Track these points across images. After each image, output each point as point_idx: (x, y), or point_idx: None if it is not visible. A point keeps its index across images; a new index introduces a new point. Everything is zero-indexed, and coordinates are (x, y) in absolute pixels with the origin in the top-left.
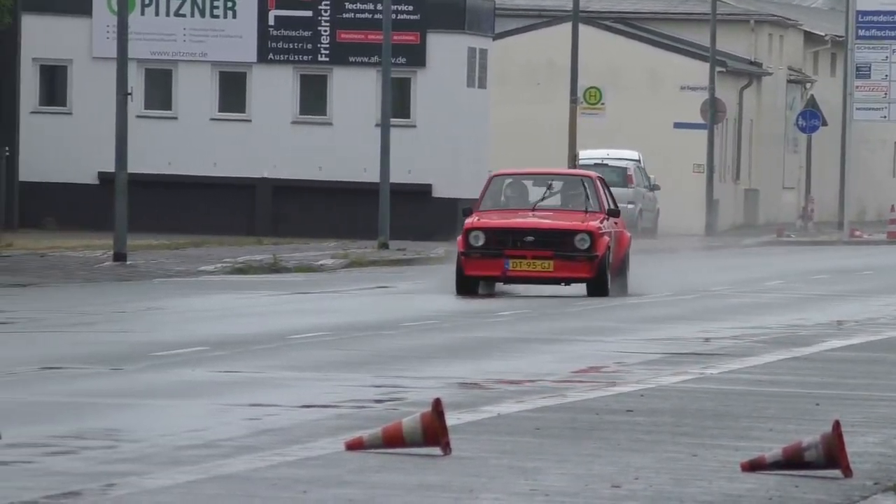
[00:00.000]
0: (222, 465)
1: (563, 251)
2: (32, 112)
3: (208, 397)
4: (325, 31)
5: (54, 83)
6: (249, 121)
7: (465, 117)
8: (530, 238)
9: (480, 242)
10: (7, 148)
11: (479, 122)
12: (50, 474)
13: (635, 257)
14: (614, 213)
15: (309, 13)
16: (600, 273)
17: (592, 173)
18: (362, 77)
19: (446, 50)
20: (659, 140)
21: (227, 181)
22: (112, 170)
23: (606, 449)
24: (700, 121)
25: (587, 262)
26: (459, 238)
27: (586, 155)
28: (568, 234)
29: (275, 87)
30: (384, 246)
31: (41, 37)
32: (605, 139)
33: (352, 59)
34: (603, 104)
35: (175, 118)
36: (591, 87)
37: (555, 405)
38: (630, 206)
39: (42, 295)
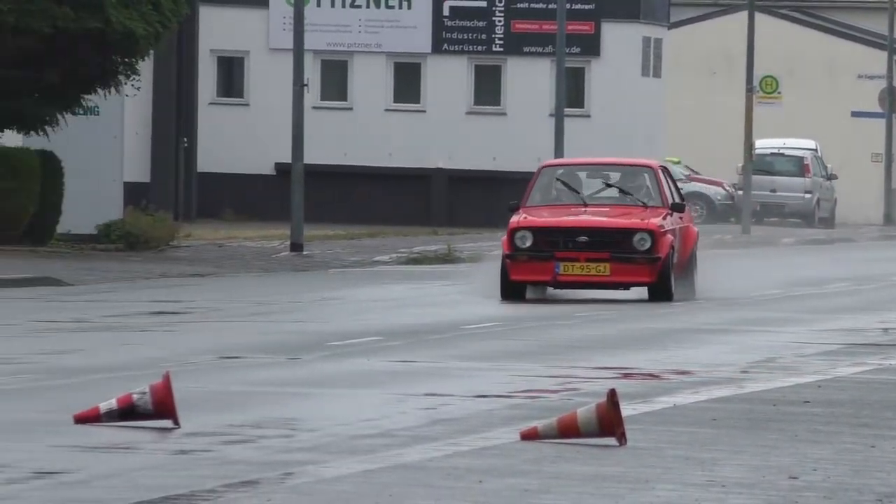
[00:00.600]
0: (398, 455)
1: (621, 252)
2: (210, 103)
3: (383, 387)
4: (500, 21)
5: (232, 74)
6: (424, 111)
7: (640, 107)
8: (584, 238)
9: (528, 243)
10: (186, 139)
11: (654, 111)
12: (228, 463)
13: (812, 248)
14: (679, 207)
15: (484, 3)
16: (663, 276)
17: (654, 162)
18: (536, 67)
19: (621, 39)
20: (836, 129)
21: (401, 171)
22: (288, 160)
23: (784, 440)
24: (878, 109)
25: (648, 265)
26: (504, 238)
27: (762, 144)
28: (626, 234)
29: (449, 78)
30: None
31: (219, 28)
32: (781, 129)
33: (526, 49)
34: (779, 93)
35: (350, 109)
36: (768, 76)
37: (731, 396)
38: (807, 195)
39: (220, 285)
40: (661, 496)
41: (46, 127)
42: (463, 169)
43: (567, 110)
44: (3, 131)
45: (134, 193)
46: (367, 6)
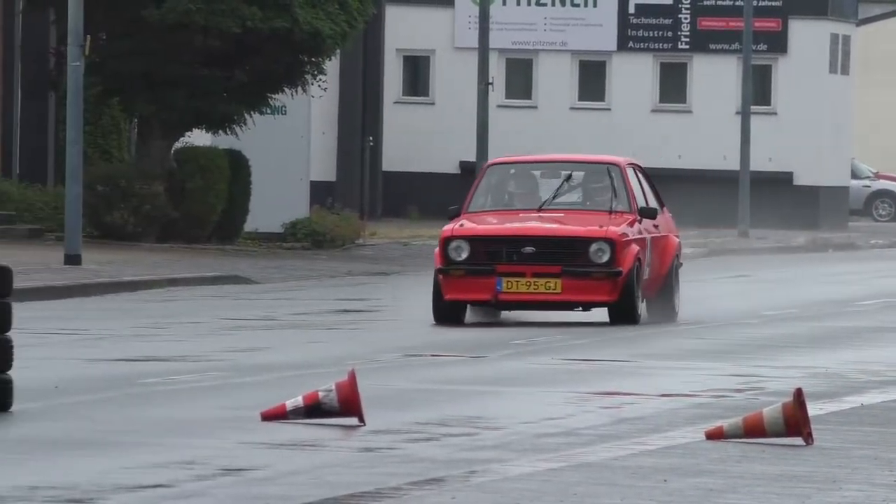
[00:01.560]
0: (582, 454)
1: (574, 266)
2: (396, 102)
3: (567, 385)
4: (686, 18)
5: (417, 73)
6: (609, 109)
7: (828, 104)
8: (530, 249)
9: (464, 255)
10: (371, 138)
11: (842, 109)
12: (413, 461)
13: None
14: (648, 212)
15: (670, 1)
16: (625, 295)
17: (622, 160)
18: (722, 64)
19: (809, 36)
20: None
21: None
22: (473, 159)
23: None
24: None
25: (608, 281)
26: (437, 250)
27: None
28: (580, 243)
29: (634, 76)
30: (744, 234)
31: (405, 27)
32: None
33: (712, 46)
34: None
35: (535, 107)
36: None
37: None
38: None
39: (404, 283)
40: (848, 496)
41: (234, 126)
42: (648, 167)
43: (753, 108)
44: (192, 131)
45: (320, 192)
46: (553, 4)
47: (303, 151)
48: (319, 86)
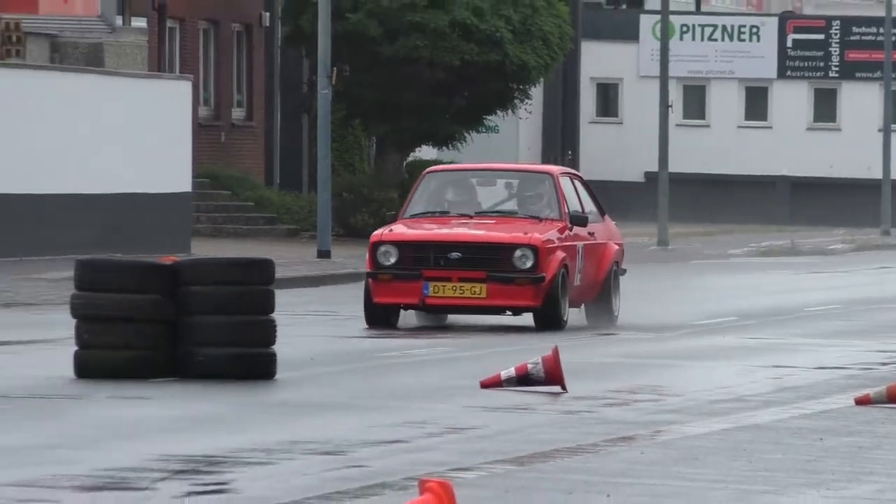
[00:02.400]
0: (750, 416)
1: (498, 271)
2: (590, 122)
3: (737, 359)
4: (836, 51)
5: (607, 98)
6: (770, 128)
7: None
8: (456, 254)
9: (392, 260)
10: (570, 152)
11: None
12: (607, 422)
13: None
14: (579, 219)
15: (821, 36)
16: (549, 300)
17: (556, 168)
18: (867, 90)
19: None
20: None
21: (751, 179)
22: (655, 170)
23: None
24: None
25: (531, 286)
26: (367, 255)
27: None
28: (504, 249)
29: (792, 99)
30: (886, 233)
31: (597, 59)
32: None
33: (858, 74)
34: None
35: (707, 126)
36: None
37: None
38: None
39: None
40: None
41: (456, 143)
42: (804, 176)
43: (893, 126)
44: (420, 147)
45: None
46: (722, 39)
47: (509, 160)
48: (526, 109)
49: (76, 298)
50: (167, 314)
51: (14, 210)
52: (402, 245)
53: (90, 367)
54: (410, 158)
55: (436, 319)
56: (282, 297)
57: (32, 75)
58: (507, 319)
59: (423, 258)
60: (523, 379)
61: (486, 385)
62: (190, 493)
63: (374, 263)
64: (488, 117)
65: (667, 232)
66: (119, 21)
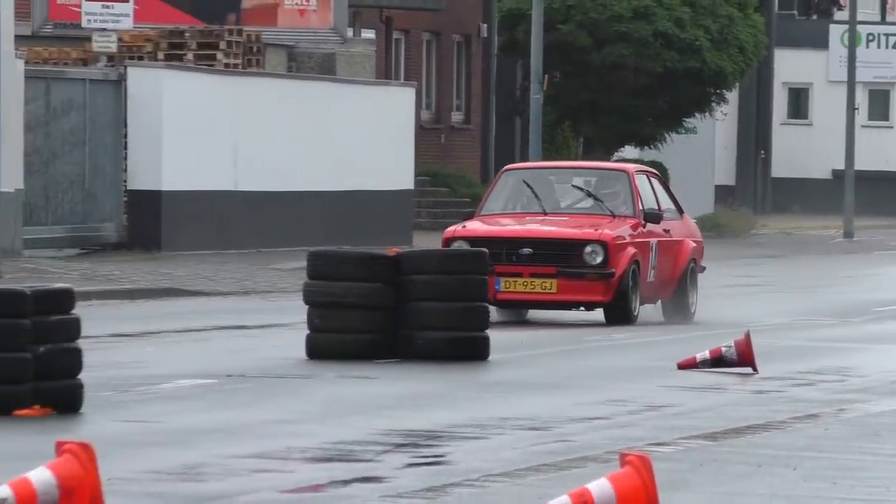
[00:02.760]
0: None
1: (569, 267)
2: (782, 124)
3: None
4: None
5: (798, 101)
6: None
7: None
8: (527, 250)
9: None
10: (763, 151)
11: None
12: (795, 401)
13: None
14: (652, 216)
15: None
16: (619, 296)
17: (631, 167)
18: None
19: None
20: None
21: None
22: (842, 167)
23: None
24: None
25: (601, 282)
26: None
27: None
28: (575, 245)
29: None
30: None
31: (789, 65)
32: None
33: None
34: None
35: (891, 127)
36: None
37: None
38: None
39: (786, 264)
40: None
41: (657, 143)
42: None
43: None
44: (624, 147)
45: (722, 193)
46: None
47: (708, 161)
48: (722, 112)
49: (308, 286)
50: (390, 301)
51: (253, 206)
52: (474, 241)
53: (320, 349)
54: (614, 157)
55: (514, 315)
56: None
57: (272, 83)
58: (579, 314)
59: (495, 254)
60: (717, 361)
61: (682, 366)
62: (410, 465)
63: None
64: (687, 119)
65: (852, 225)
66: (350, 33)
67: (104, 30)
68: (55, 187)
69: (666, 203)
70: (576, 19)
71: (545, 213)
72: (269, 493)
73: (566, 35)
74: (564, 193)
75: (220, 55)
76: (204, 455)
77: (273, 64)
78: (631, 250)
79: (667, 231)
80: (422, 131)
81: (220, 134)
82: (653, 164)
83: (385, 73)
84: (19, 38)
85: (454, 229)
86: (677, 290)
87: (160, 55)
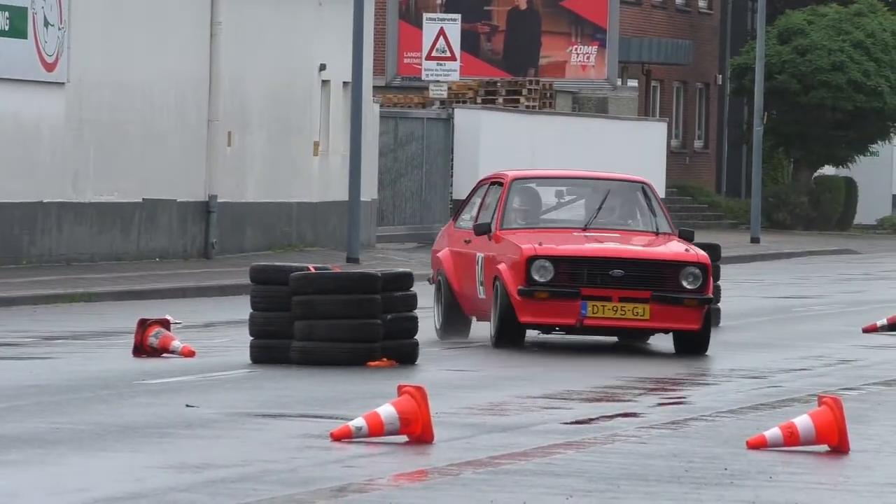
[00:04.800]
0: None
1: (664, 291)
2: None
3: None
4: None
5: None
6: None
7: None
8: (618, 272)
9: (549, 276)
10: None
11: None
12: None
13: None
14: (686, 234)
15: None
16: (707, 322)
17: (644, 179)
18: None
19: None
20: None
21: None
22: None
23: None
24: None
25: (697, 308)
26: (507, 270)
27: None
28: (672, 267)
29: None
30: None
31: None
32: None
33: None
34: None
35: None
36: None
37: None
38: None
39: None
40: None
41: (849, 163)
42: None
43: None
44: (824, 167)
45: None
46: None
47: (887, 177)
48: None
49: None
50: None
51: None
52: (560, 260)
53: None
54: (816, 174)
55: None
56: (725, 271)
57: (560, 119)
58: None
59: (578, 275)
60: (894, 325)
61: (866, 330)
62: (660, 404)
63: (528, 279)
64: (872, 145)
65: None
66: (619, 82)
67: (438, 81)
68: (400, 197)
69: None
70: (788, 71)
71: (587, 230)
72: (554, 424)
73: (781, 83)
74: (591, 204)
75: (522, 99)
76: (505, 396)
77: (561, 105)
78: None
79: (686, 251)
80: (671, 155)
81: (522, 157)
82: (846, 179)
83: (644, 111)
84: (376, 88)
85: (533, 247)
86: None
87: (478, 99)
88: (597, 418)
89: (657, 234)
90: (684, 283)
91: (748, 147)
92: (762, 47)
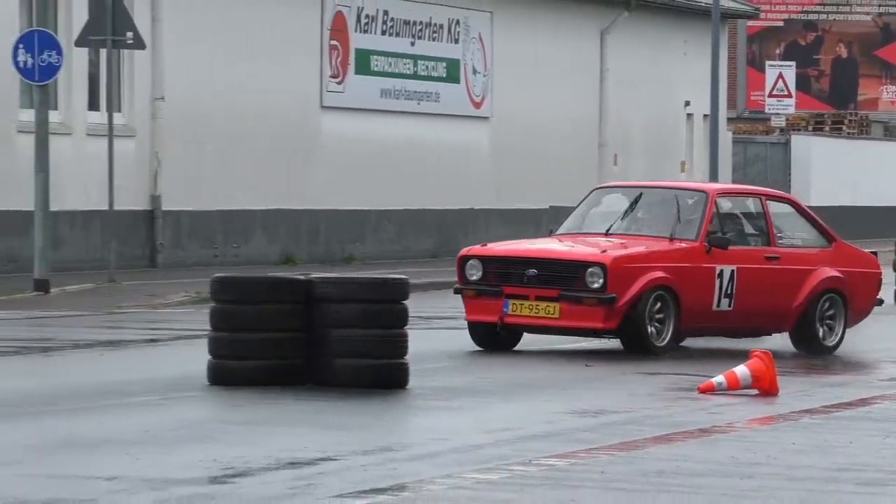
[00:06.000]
0: None
1: (570, 290)
2: None
3: None
4: None
5: None
6: None
7: None
8: (533, 271)
9: (477, 275)
10: None
11: None
12: None
13: None
14: (718, 241)
15: None
16: (627, 323)
17: (712, 187)
18: None
19: None
20: None
21: None
22: None
23: None
24: None
25: (601, 307)
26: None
27: None
28: (576, 267)
29: None
30: None
31: None
32: None
33: None
34: None
35: None
36: None
37: None
38: None
39: None
40: None
41: None
42: None
43: None
44: None
45: None
46: None
47: None
48: None
49: None
50: None
51: None
52: (486, 260)
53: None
54: None
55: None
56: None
57: (875, 144)
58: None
59: (504, 274)
60: None
61: None
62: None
63: (462, 278)
64: None
65: None
66: None
67: (778, 114)
68: None
69: (801, 231)
70: None
71: (605, 234)
72: (874, 381)
73: None
74: (644, 213)
75: (844, 128)
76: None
77: (875, 132)
78: (654, 275)
79: (773, 258)
80: None
81: (845, 172)
82: None
83: None
84: (729, 119)
85: (471, 247)
86: (800, 321)
87: (810, 128)
88: None
89: (671, 239)
90: (588, 283)
91: None
92: None
